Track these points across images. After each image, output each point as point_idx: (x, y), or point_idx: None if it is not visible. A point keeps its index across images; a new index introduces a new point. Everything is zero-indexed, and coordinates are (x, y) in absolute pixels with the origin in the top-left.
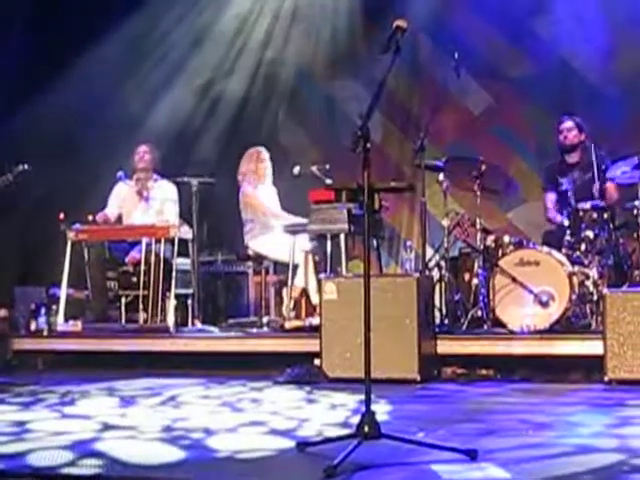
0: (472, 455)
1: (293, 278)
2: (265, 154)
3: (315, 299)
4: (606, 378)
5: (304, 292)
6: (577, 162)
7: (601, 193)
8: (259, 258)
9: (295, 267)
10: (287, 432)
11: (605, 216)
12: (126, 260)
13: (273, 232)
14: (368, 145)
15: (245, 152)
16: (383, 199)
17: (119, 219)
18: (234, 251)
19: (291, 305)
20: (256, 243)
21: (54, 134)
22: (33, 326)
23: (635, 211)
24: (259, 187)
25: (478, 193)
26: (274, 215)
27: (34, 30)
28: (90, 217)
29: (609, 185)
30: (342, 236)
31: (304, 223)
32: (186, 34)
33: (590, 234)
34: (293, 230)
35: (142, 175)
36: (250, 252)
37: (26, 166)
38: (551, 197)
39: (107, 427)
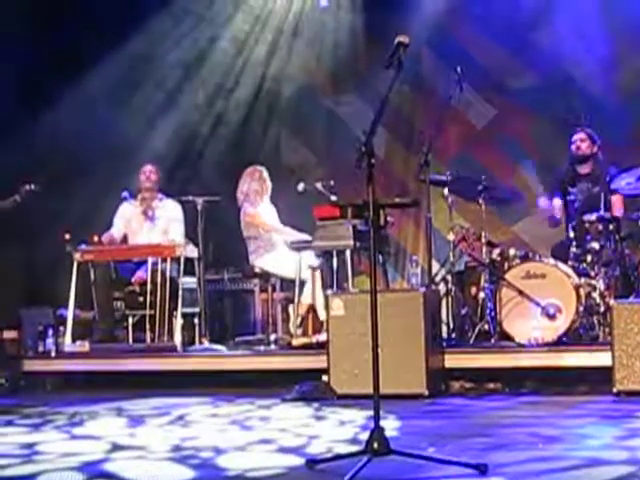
0: (482, 469)
1: (300, 295)
2: (265, 172)
3: (323, 315)
4: (614, 390)
5: (311, 308)
6: (588, 173)
7: (607, 205)
8: (265, 275)
9: (302, 283)
10: (296, 449)
11: (610, 227)
12: (132, 280)
13: (278, 250)
14: (372, 161)
15: (244, 171)
16: (388, 215)
17: (125, 239)
18: (240, 269)
19: (298, 322)
20: (262, 261)
21: (59, 154)
22: (41, 347)
23: None
24: (260, 205)
25: (483, 207)
26: (276, 230)
27: (35, 46)
28: (96, 238)
29: (616, 198)
30: (348, 252)
31: (309, 240)
32: (187, 54)
33: (596, 245)
34: (298, 247)
35: (147, 195)
36: (257, 270)
37: (33, 186)
38: (557, 202)
39: (116, 447)
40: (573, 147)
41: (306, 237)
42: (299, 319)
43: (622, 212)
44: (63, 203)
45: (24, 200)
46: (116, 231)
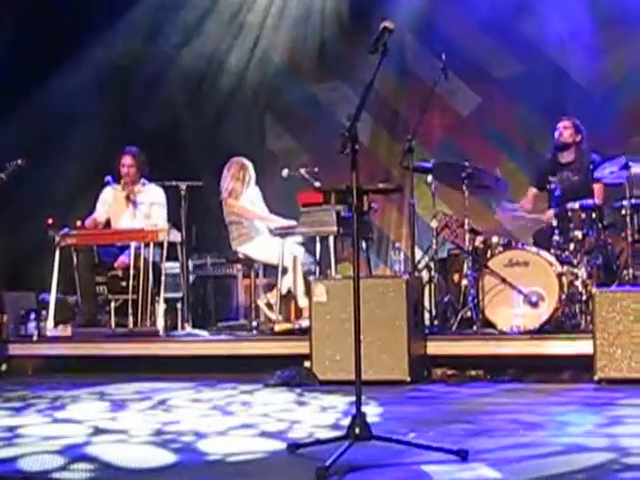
0: (463, 455)
1: (281, 280)
2: (246, 164)
3: (302, 302)
4: (596, 377)
5: (291, 295)
6: (569, 162)
7: (590, 194)
8: (249, 261)
9: (284, 270)
10: (278, 434)
11: (593, 216)
12: (115, 264)
13: (260, 236)
14: (356, 147)
15: (228, 161)
16: (372, 201)
17: (107, 223)
18: (223, 254)
19: (276, 308)
20: (244, 247)
21: (42, 137)
22: (22, 332)
23: (623, 211)
24: (242, 195)
25: (466, 194)
26: (260, 218)
27: (25, 28)
28: (79, 222)
29: (597, 187)
30: (331, 238)
31: (293, 226)
32: (175, 33)
33: (579, 234)
34: (281, 233)
35: (129, 180)
36: (240, 255)
37: (19, 161)
38: (533, 191)
39: (98, 431)
40: (556, 133)
41: (291, 223)
42: (275, 305)
43: (601, 201)
44: (46, 186)
45: (11, 177)
46: (99, 216)
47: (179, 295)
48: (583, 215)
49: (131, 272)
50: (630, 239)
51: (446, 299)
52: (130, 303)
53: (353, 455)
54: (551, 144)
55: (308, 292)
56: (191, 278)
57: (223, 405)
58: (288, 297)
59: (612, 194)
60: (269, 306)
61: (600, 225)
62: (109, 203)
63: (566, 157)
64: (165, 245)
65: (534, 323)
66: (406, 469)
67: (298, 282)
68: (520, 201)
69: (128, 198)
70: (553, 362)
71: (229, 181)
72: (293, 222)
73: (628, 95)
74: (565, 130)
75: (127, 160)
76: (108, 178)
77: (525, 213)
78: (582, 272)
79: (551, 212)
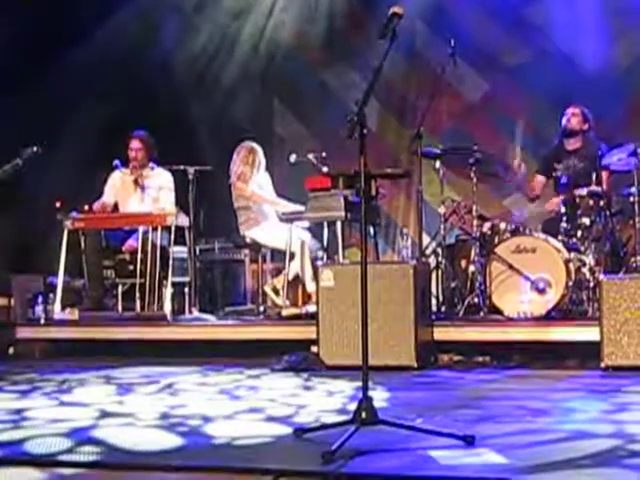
0: (469, 441)
1: (289, 266)
2: (256, 149)
3: (310, 287)
4: (602, 364)
5: (298, 280)
6: (575, 150)
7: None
8: (256, 246)
9: (292, 255)
10: (284, 419)
11: (601, 203)
12: (123, 248)
13: (269, 221)
14: (364, 132)
15: (238, 145)
16: (380, 186)
17: (116, 207)
18: (231, 239)
19: (283, 293)
20: (252, 232)
21: (48, 121)
22: (30, 315)
23: (631, 198)
24: (252, 180)
25: (475, 180)
26: (269, 202)
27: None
28: (87, 207)
29: (604, 174)
30: (339, 223)
31: (301, 211)
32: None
33: (586, 221)
34: (289, 218)
35: (137, 164)
36: (248, 240)
37: (35, 148)
38: (539, 178)
39: (105, 414)
40: (564, 119)
41: (300, 208)
42: (283, 290)
43: (607, 188)
44: (55, 170)
45: (26, 162)
46: (107, 199)
47: (186, 279)
48: (591, 202)
49: (139, 256)
50: (638, 226)
51: (453, 285)
52: (137, 287)
53: (359, 440)
54: (558, 130)
55: (316, 277)
56: (198, 263)
57: (230, 389)
58: (295, 282)
59: (620, 181)
60: (275, 291)
61: (608, 212)
62: (117, 187)
63: (572, 144)
64: (173, 229)
65: (541, 310)
66: (412, 454)
67: (306, 267)
68: (531, 191)
69: (136, 182)
70: (560, 349)
71: (238, 165)
72: (301, 207)
73: (637, 83)
74: (573, 117)
75: (135, 144)
76: (116, 162)
77: (532, 206)
78: (589, 259)
79: (555, 200)
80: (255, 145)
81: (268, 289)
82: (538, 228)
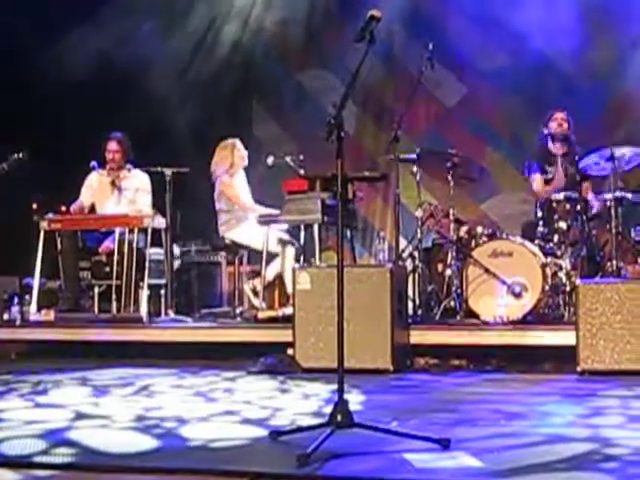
0: (445, 444)
1: (266, 268)
2: (239, 144)
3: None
4: (578, 368)
5: (280, 280)
6: (564, 154)
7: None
8: (234, 248)
9: (271, 256)
10: (260, 421)
11: (578, 207)
12: (99, 249)
13: (249, 221)
14: (342, 134)
15: (219, 143)
16: (357, 189)
17: (93, 209)
18: (208, 241)
19: (260, 295)
20: (233, 233)
21: (25, 122)
22: (6, 316)
23: (608, 203)
24: (234, 176)
25: (452, 184)
26: (249, 209)
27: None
28: (63, 208)
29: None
30: (316, 226)
31: (277, 214)
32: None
33: (563, 225)
34: (266, 220)
35: (114, 166)
36: (227, 241)
37: (21, 154)
38: (539, 176)
39: (80, 416)
40: (554, 124)
41: (274, 212)
42: (261, 292)
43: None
44: (31, 171)
45: (12, 169)
46: (85, 200)
47: (163, 281)
48: (568, 206)
49: (115, 258)
50: (614, 231)
51: (430, 288)
52: (114, 289)
53: (335, 442)
54: (541, 134)
55: (293, 279)
56: (175, 264)
57: (206, 391)
58: (272, 285)
59: (597, 185)
60: (255, 292)
61: (585, 217)
62: (94, 188)
63: (559, 149)
64: (149, 231)
65: (517, 313)
66: (388, 457)
67: (287, 268)
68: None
69: (113, 184)
70: (536, 353)
71: (220, 160)
72: (276, 211)
73: (613, 87)
74: (564, 122)
75: (112, 146)
76: (93, 163)
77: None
78: (566, 263)
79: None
80: (236, 141)
81: (247, 288)
82: (516, 233)
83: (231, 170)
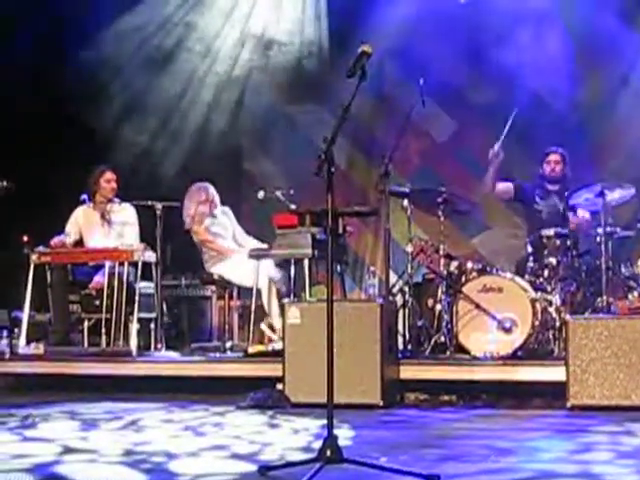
0: None
1: (257, 301)
2: (210, 189)
3: (277, 323)
4: (568, 404)
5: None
6: (556, 191)
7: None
8: (223, 282)
9: (258, 291)
10: (249, 456)
11: (568, 243)
12: (90, 286)
13: (233, 257)
14: (332, 169)
15: (188, 189)
16: (347, 224)
17: (80, 242)
18: (198, 275)
19: (251, 329)
20: (218, 268)
21: (12, 154)
22: None
23: (598, 238)
24: (205, 222)
25: (442, 219)
26: (228, 252)
27: None
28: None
29: (581, 216)
30: (306, 261)
31: (267, 248)
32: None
33: (553, 261)
34: (257, 255)
35: (105, 199)
36: (215, 276)
37: (6, 183)
38: (508, 185)
39: (68, 450)
40: (547, 168)
41: (263, 246)
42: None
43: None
44: (22, 204)
45: None
46: (67, 237)
47: (153, 315)
48: (558, 242)
49: (105, 291)
50: (604, 266)
51: (420, 324)
52: (103, 322)
53: (324, 478)
54: (538, 175)
55: (282, 314)
56: (165, 299)
57: (195, 426)
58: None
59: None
60: (272, 329)
61: (575, 252)
62: (81, 223)
63: (555, 187)
64: (140, 265)
65: (507, 349)
66: None
67: (272, 303)
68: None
69: (103, 216)
70: (526, 388)
71: (191, 207)
72: (264, 245)
73: (603, 121)
74: (557, 165)
75: (113, 175)
76: (84, 197)
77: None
78: (556, 298)
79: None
80: (203, 183)
81: (264, 326)
82: (511, 268)
83: (200, 217)
